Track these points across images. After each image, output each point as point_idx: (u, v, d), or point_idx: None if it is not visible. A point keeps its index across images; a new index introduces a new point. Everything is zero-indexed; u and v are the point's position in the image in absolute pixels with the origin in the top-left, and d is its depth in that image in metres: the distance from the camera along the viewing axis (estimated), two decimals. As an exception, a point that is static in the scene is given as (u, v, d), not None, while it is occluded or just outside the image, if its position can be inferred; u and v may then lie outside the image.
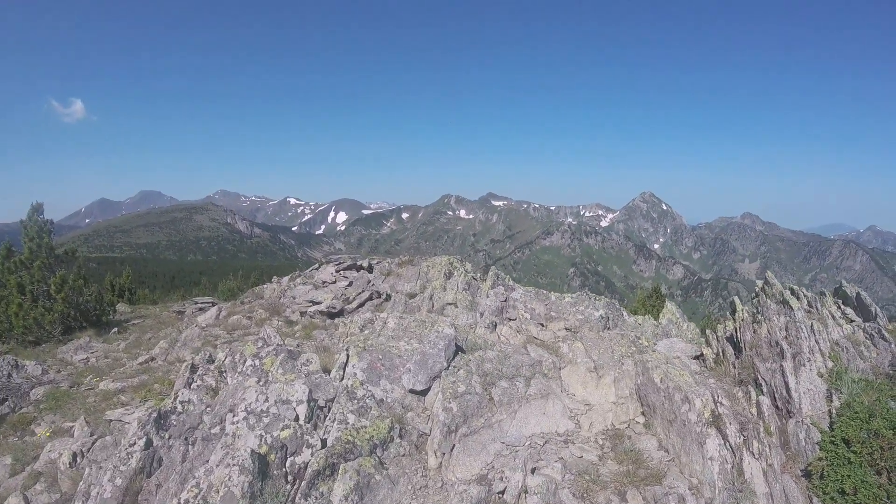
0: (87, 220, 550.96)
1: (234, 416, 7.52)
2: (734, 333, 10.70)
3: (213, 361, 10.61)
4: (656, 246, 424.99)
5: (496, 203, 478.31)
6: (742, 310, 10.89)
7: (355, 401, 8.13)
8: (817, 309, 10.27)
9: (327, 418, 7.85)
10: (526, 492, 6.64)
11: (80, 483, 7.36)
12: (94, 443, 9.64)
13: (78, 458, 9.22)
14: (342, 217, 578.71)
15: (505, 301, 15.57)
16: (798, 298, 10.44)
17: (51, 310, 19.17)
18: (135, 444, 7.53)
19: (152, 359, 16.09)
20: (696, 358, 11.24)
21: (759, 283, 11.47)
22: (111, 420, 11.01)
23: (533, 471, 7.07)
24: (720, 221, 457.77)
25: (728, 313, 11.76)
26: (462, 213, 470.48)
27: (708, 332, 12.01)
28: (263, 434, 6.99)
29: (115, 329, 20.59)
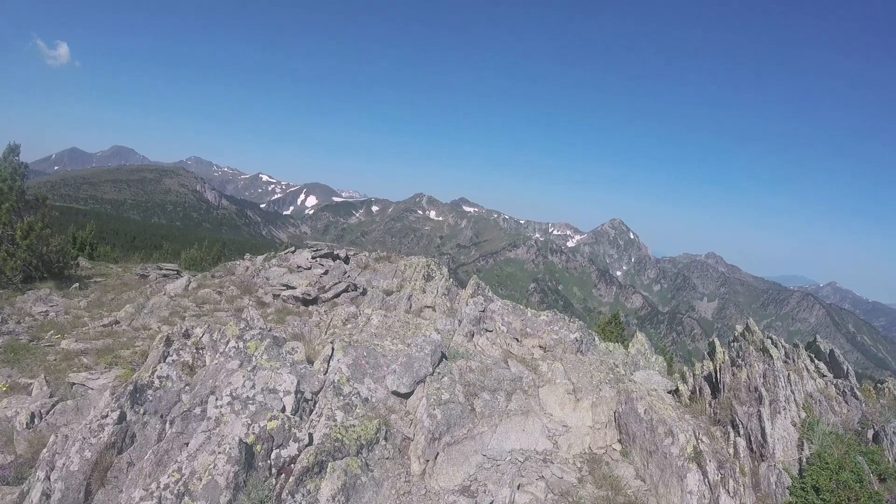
0: (55, 168, 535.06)
1: (217, 399, 7.28)
2: (713, 373, 10.85)
3: (190, 336, 10.29)
4: (619, 273, 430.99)
5: (467, 209, 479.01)
6: (723, 352, 11.07)
7: (342, 397, 7.98)
8: (793, 360, 10.50)
9: (314, 412, 7.66)
10: (513, 508, 6.61)
11: (44, 451, 6.86)
12: (53, 405, 9.25)
13: (36, 419, 8.84)
14: (312, 201, 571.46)
15: (483, 311, 15.52)
16: (777, 348, 10.65)
17: (13, 255, 18.41)
18: (107, 416, 7.08)
19: (117, 322, 15.60)
20: (671, 393, 11.37)
21: (739, 328, 11.67)
22: (74, 383, 10.62)
23: (519, 487, 7.03)
24: (684, 257, 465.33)
25: (706, 353, 11.93)
26: (432, 213, 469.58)
27: (685, 369, 12.17)
28: (250, 423, 6.74)
29: (77, 284, 19.98)
